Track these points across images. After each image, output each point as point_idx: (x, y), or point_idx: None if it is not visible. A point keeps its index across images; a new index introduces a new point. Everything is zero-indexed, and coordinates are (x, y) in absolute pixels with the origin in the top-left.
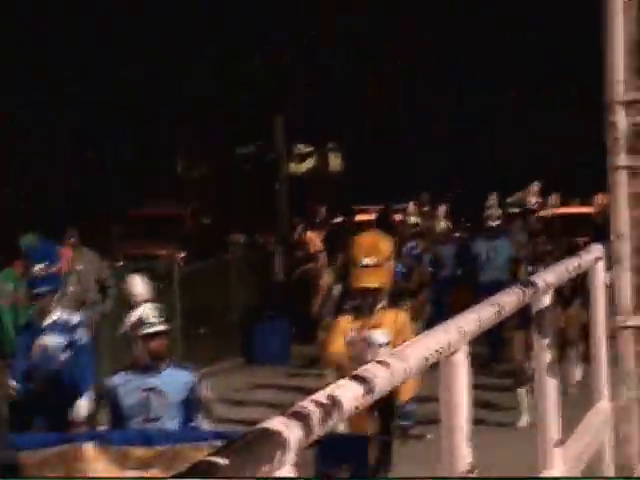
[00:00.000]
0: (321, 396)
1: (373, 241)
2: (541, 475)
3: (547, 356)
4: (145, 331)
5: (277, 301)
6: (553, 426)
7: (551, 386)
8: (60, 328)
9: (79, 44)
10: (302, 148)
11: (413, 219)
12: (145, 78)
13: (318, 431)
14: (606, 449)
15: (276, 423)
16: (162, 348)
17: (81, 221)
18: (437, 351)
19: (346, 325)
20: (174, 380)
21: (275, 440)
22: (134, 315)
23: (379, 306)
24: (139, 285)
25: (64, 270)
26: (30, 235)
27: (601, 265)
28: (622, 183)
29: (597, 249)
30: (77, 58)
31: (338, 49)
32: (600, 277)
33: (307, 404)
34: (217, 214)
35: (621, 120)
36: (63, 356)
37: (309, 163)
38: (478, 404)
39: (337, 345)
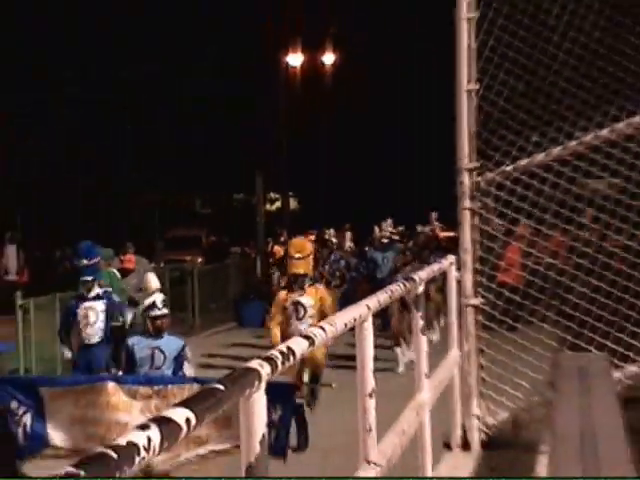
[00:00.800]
0: (282, 347)
1: (301, 243)
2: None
3: (420, 323)
4: (153, 313)
5: (257, 288)
6: (424, 365)
7: (422, 341)
8: (100, 299)
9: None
10: (272, 195)
11: (334, 239)
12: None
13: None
14: (456, 379)
15: (254, 364)
16: (162, 325)
17: (135, 238)
18: (354, 319)
19: (284, 297)
20: (170, 343)
21: (254, 374)
22: (147, 301)
23: (305, 285)
24: (152, 281)
25: (130, 269)
26: (109, 249)
27: (454, 267)
28: (466, 218)
29: (451, 257)
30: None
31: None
32: (453, 275)
33: (274, 352)
34: (221, 235)
35: (466, 180)
36: (102, 317)
37: (277, 204)
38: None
39: (275, 320)
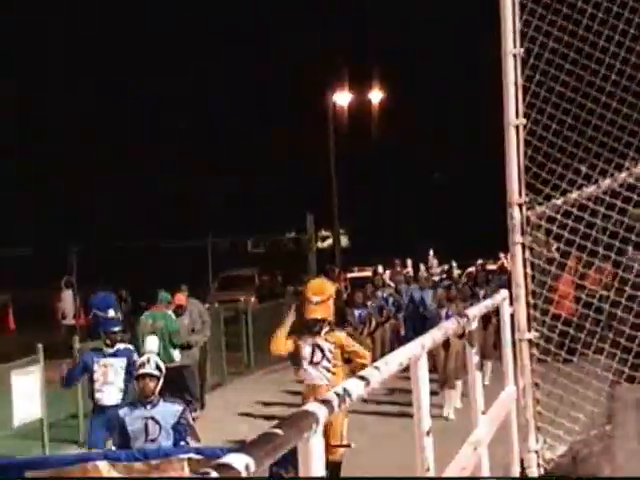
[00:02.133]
0: (338, 389)
1: (320, 284)
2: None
3: (475, 359)
4: (139, 372)
5: None
6: (480, 402)
7: (478, 377)
8: (121, 354)
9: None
10: (323, 232)
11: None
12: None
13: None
14: (512, 415)
15: (311, 407)
16: (149, 387)
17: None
18: (409, 358)
19: (298, 338)
20: (166, 411)
21: (312, 417)
22: (139, 361)
23: (325, 330)
24: (149, 342)
25: (180, 308)
26: (167, 294)
27: (507, 302)
28: (518, 252)
29: (504, 292)
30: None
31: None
32: (506, 309)
33: (330, 395)
34: (274, 274)
35: (516, 214)
36: (122, 376)
37: (328, 241)
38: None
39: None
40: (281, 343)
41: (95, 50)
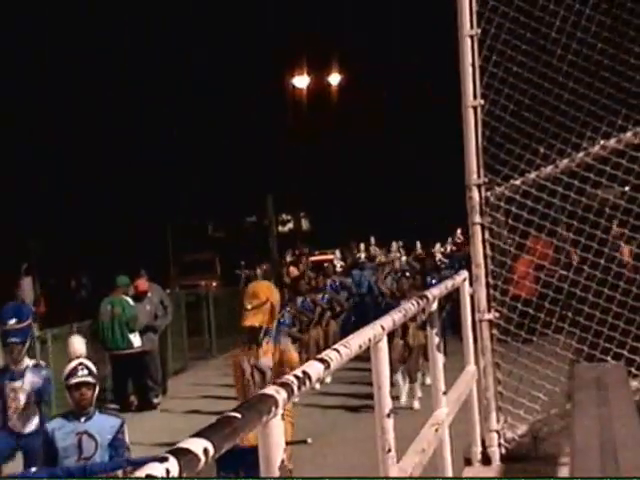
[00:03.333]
0: (298, 372)
1: (254, 289)
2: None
3: (436, 339)
4: (72, 381)
5: None
6: (440, 382)
7: (438, 358)
8: (29, 373)
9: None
10: (284, 216)
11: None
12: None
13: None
14: (474, 394)
15: (270, 390)
16: (84, 397)
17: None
18: (369, 340)
19: (240, 357)
20: (103, 425)
21: (271, 400)
22: (67, 368)
23: (264, 339)
24: (76, 344)
25: (141, 293)
26: (124, 277)
27: (467, 283)
28: (478, 232)
29: (464, 273)
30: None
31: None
32: (466, 290)
33: (289, 377)
34: (233, 259)
35: (475, 195)
36: (31, 397)
37: (289, 225)
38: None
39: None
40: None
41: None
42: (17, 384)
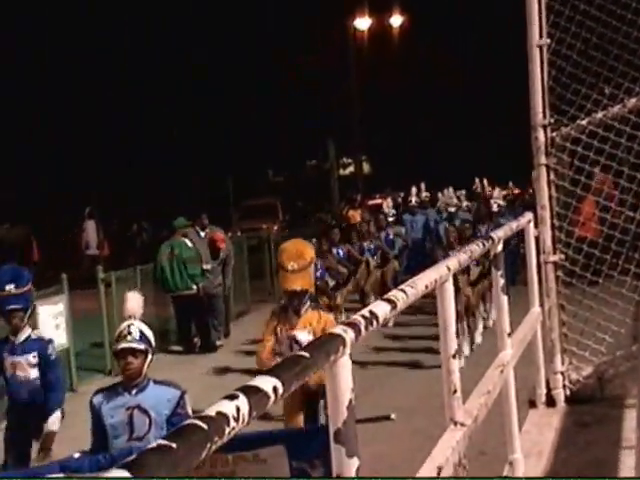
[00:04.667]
0: (365, 312)
1: (297, 247)
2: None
3: (501, 281)
4: (117, 346)
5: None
6: (506, 324)
7: (503, 300)
8: (31, 346)
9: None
10: (345, 160)
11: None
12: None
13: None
14: (538, 336)
15: (338, 330)
16: (130, 366)
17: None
18: (435, 280)
19: (275, 325)
20: (158, 397)
21: (338, 339)
22: (118, 330)
23: (305, 307)
24: (130, 300)
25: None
26: (182, 218)
27: (532, 225)
28: (543, 174)
29: (529, 214)
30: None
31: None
32: (531, 232)
33: (356, 317)
34: (294, 203)
35: (541, 136)
36: (34, 373)
37: (350, 168)
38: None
39: (267, 349)
40: (265, 355)
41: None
42: (18, 359)
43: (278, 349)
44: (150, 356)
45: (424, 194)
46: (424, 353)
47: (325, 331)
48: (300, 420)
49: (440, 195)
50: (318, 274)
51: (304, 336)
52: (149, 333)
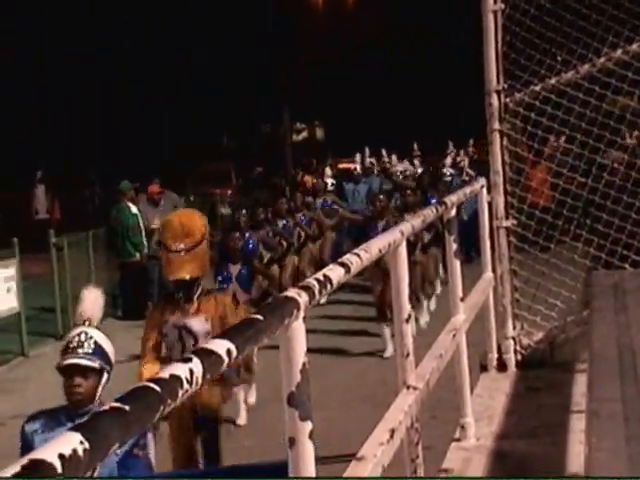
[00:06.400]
0: (319, 275)
1: (183, 223)
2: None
3: (454, 246)
4: (64, 362)
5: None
6: (458, 288)
7: (456, 265)
8: None
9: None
10: (299, 125)
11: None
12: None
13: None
14: (490, 301)
15: (292, 293)
16: (77, 388)
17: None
18: (388, 244)
19: (160, 316)
20: None
21: (292, 303)
22: (67, 338)
23: (197, 293)
24: (87, 301)
25: (154, 198)
26: (126, 182)
27: (484, 190)
28: (496, 139)
29: (482, 180)
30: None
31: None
32: (484, 197)
33: (311, 280)
34: (249, 167)
35: (494, 101)
36: None
37: (303, 134)
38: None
39: (148, 348)
40: (143, 373)
41: None
42: None
43: (165, 351)
44: (106, 376)
45: (368, 160)
46: (355, 336)
47: (224, 318)
48: (188, 449)
49: (390, 161)
50: (250, 247)
51: (199, 325)
52: (107, 345)
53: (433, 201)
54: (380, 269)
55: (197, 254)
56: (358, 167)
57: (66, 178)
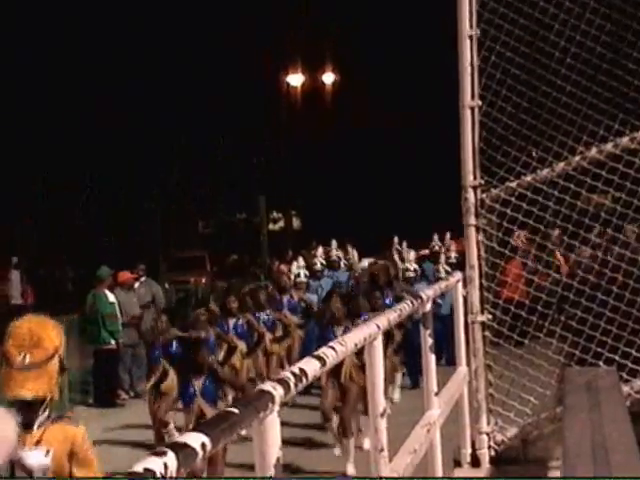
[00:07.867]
0: (295, 369)
1: (32, 331)
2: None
3: (430, 340)
4: None
5: None
6: (433, 383)
7: (431, 359)
8: None
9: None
10: (275, 214)
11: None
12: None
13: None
14: (464, 396)
15: (267, 386)
16: None
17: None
18: (365, 339)
19: None
20: None
21: (267, 396)
22: None
23: (40, 419)
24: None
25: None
26: (105, 267)
27: (460, 284)
28: (472, 234)
29: (458, 274)
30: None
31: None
32: (460, 291)
33: (286, 373)
34: (224, 255)
35: (471, 196)
36: None
37: (280, 223)
38: None
39: None
40: None
41: None
42: None
43: None
44: None
45: (334, 253)
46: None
47: (75, 453)
48: None
49: (339, 254)
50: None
51: (38, 458)
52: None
53: (364, 317)
54: (336, 380)
55: (46, 370)
56: (319, 262)
57: (41, 260)
